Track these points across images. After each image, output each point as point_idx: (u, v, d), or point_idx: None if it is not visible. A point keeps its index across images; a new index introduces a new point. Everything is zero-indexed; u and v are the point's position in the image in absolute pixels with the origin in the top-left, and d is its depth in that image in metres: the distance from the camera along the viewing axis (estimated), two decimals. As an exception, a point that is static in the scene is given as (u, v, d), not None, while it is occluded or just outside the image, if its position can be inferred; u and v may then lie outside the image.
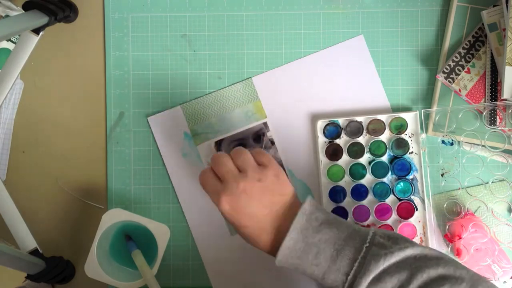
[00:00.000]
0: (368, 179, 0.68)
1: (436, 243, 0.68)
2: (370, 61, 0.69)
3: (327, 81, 0.69)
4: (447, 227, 0.67)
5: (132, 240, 0.65)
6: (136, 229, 0.65)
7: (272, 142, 0.68)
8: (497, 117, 0.65)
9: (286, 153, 0.69)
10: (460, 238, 0.66)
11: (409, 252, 0.51)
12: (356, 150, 0.68)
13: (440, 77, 0.67)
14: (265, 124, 0.69)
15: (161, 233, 0.62)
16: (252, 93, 0.69)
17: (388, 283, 0.49)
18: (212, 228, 0.69)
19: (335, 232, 0.53)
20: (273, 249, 0.54)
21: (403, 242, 0.53)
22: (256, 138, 0.68)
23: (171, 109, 0.69)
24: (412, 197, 0.68)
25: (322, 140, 0.68)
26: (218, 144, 0.69)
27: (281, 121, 0.69)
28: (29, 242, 0.65)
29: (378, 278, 0.50)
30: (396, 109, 0.69)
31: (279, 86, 0.69)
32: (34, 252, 0.65)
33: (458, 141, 0.67)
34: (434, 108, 0.68)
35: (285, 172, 0.68)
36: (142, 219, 0.63)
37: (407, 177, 0.68)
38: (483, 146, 0.66)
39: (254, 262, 0.68)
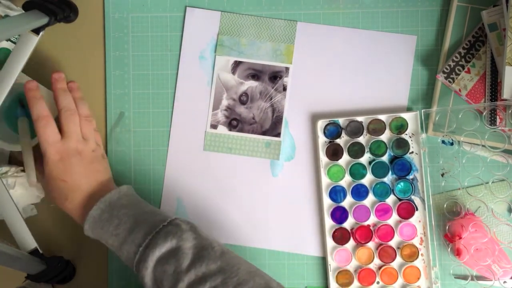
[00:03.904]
0: (368, 179, 0.68)
1: (436, 243, 0.68)
2: (410, 62, 0.69)
3: (357, 72, 0.69)
4: (447, 227, 0.67)
5: (25, 108, 0.65)
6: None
7: (284, 88, 0.69)
8: (497, 117, 0.65)
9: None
10: (460, 238, 0.66)
11: (199, 240, 0.53)
12: (356, 150, 0.68)
13: (440, 77, 0.67)
14: (287, 69, 0.69)
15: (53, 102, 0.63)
16: (290, 35, 0.69)
17: (170, 266, 0.51)
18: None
19: (139, 209, 0.57)
20: (82, 216, 0.58)
21: (200, 231, 0.55)
22: (272, 78, 0.69)
23: (211, 10, 0.69)
24: (412, 197, 0.68)
25: (322, 140, 0.68)
26: (236, 64, 0.69)
27: (303, 70, 0.69)
28: (29, 242, 0.65)
29: (164, 257, 0.52)
30: (396, 109, 0.69)
31: (316, 43, 0.69)
32: (34, 252, 0.65)
33: (458, 141, 0.67)
34: (434, 108, 0.68)
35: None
36: (45, 89, 0.64)
37: (407, 177, 0.68)
38: (483, 146, 0.66)
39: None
